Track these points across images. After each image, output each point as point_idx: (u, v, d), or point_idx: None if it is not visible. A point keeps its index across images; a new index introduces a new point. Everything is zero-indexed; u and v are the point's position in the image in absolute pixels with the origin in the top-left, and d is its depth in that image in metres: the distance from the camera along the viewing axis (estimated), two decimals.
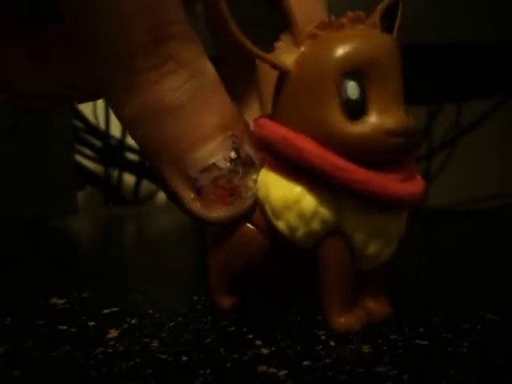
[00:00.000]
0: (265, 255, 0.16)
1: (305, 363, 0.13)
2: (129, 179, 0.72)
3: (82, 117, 0.66)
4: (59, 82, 0.19)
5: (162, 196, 0.74)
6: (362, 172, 0.14)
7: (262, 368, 0.13)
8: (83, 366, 0.13)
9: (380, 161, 0.14)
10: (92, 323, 0.17)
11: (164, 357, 0.14)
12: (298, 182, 0.15)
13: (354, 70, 0.14)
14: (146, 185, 0.72)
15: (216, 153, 0.15)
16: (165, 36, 0.14)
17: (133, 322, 0.17)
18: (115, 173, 0.71)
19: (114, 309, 0.18)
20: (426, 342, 0.15)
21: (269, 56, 0.14)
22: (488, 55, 0.45)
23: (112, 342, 0.15)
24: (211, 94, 0.15)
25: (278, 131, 0.14)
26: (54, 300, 0.20)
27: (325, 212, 0.14)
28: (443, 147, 0.65)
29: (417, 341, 0.15)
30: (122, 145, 0.68)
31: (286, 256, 0.16)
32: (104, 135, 0.68)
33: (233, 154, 0.15)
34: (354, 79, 0.14)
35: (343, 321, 0.15)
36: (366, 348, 0.14)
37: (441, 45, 0.39)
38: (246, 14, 0.14)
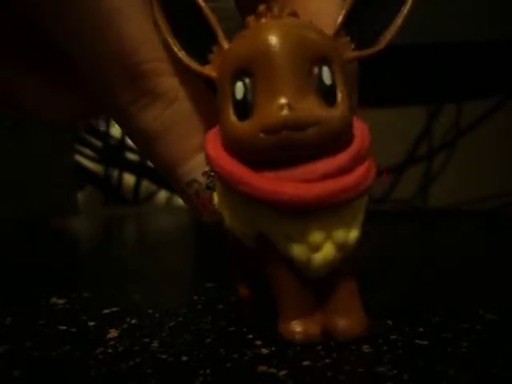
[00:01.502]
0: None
1: (305, 363, 0.13)
2: (129, 179, 0.72)
3: None
4: (65, 111, 0.21)
5: (162, 196, 0.74)
6: (244, 173, 0.14)
7: (262, 368, 0.13)
8: (83, 366, 0.13)
9: (272, 160, 0.14)
10: (92, 323, 0.17)
11: (164, 357, 0.14)
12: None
13: (241, 70, 0.14)
14: (145, 185, 0.72)
15: (195, 169, 0.17)
16: (138, 74, 0.16)
17: (133, 322, 0.17)
18: (115, 173, 0.71)
19: (114, 309, 0.18)
20: (425, 342, 0.14)
21: (201, 68, 0.15)
22: (488, 55, 0.45)
23: (112, 342, 0.15)
24: (190, 118, 0.17)
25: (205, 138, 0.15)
26: (54, 300, 0.20)
27: (241, 213, 0.15)
28: (443, 147, 0.65)
29: (417, 341, 0.15)
30: (122, 145, 0.68)
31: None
32: (104, 135, 0.68)
33: (210, 170, 0.16)
34: (241, 79, 0.14)
35: (287, 328, 0.15)
36: (366, 348, 0.14)
37: (441, 45, 0.39)
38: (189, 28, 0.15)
